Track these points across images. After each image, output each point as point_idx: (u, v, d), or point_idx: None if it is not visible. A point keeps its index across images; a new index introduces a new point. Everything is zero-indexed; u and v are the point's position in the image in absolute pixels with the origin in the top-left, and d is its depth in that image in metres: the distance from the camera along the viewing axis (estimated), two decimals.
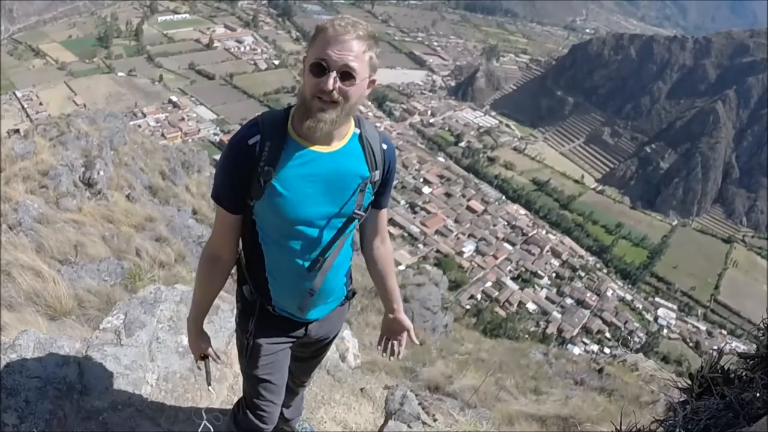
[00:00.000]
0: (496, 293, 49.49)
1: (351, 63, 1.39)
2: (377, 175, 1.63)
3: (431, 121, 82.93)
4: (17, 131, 8.25)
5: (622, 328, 49.11)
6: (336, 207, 1.58)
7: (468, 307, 37.43)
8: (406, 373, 5.02)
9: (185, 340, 2.63)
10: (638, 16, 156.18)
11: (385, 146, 1.66)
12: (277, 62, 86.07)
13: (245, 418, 1.88)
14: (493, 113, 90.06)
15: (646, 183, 75.79)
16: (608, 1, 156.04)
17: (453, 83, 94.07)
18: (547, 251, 58.95)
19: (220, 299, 3.23)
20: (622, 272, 59.80)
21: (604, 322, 49.48)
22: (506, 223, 61.88)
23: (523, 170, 74.61)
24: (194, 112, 71.23)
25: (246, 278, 1.73)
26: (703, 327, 52.77)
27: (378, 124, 71.50)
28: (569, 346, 37.93)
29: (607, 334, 48.15)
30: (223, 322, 3.07)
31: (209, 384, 1.95)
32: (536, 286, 53.46)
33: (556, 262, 57.96)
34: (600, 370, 5.82)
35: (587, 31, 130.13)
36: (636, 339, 47.30)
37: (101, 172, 6.76)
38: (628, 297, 55.41)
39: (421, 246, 54.26)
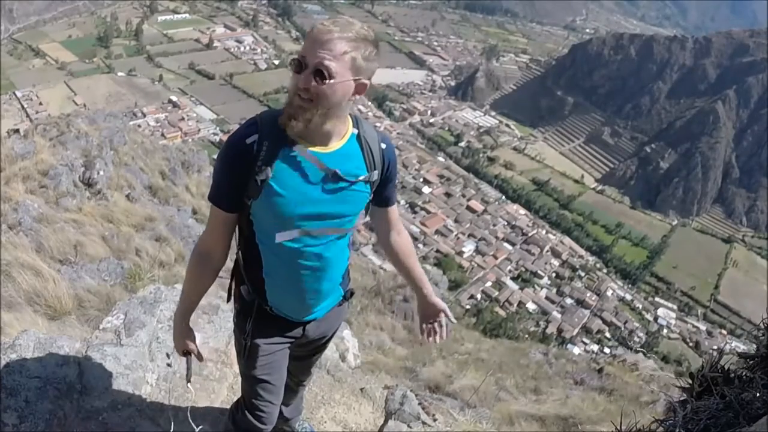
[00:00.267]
0: (496, 293, 49.50)
1: (326, 62, 1.37)
2: (375, 175, 1.63)
3: (431, 121, 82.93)
4: (17, 131, 8.26)
5: (622, 328, 49.13)
6: (333, 207, 1.57)
7: (468, 307, 37.36)
8: (406, 373, 5.02)
9: None
10: (638, 16, 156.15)
11: (383, 145, 1.65)
12: (277, 62, 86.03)
13: (244, 418, 1.87)
14: (493, 113, 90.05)
15: (646, 183, 75.80)
16: (608, 1, 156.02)
17: (453, 83, 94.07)
18: (547, 251, 58.96)
19: (221, 299, 3.23)
20: (622, 272, 59.80)
21: (604, 322, 49.49)
22: (506, 223, 61.89)
23: (523, 170, 74.62)
24: (194, 112, 71.23)
25: (244, 278, 1.73)
26: (703, 327, 52.78)
27: (378, 124, 71.49)
28: (569, 346, 37.91)
29: (607, 334, 48.17)
30: (223, 322, 3.07)
31: (188, 380, 1.94)
32: (536, 286, 53.47)
33: (556, 262, 57.97)
34: (600, 370, 5.82)
35: (587, 31, 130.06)
36: (636, 339, 47.32)
37: (101, 172, 6.76)
38: (628, 297, 55.41)
39: (421, 246, 54.24)
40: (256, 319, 1.73)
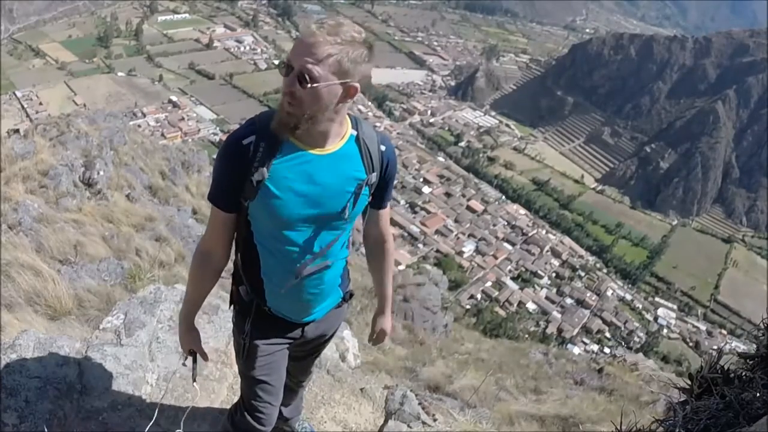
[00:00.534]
0: (496, 293, 49.51)
1: (308, 66, 1.36)
2: (374, 177, 1.61)
3: (431, 120, 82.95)
4: (17, 131, 8.26)
5: (622, 328, 49.15)
6: (331, 209, 1.56)
7: (468, 307, 37.41)
8: (406, 373, 5.02)
9: None
10: (638, 16, 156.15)
11: (383, 147, 1.64)
12: (276, 62, 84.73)
13: (243, 419, 1.87)
14: (493, 113, 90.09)
15: (646, 183, 75.82)
16: (608, 1, 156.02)
17: (453, 83, 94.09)
18: (547, 251, 58.98)
19: (221, 299, 3.23)
20: (622, 272, 59.82)
21: (604, 321, 49.51)
22: (506, 223, 61.90)
23: (523, 170, 74.64)
24: (194, 112, 71.26)
25: (242, 279, 1.73)
26: (703, 327, 52.80)
27: (378, 124, 71.55)
28: (569, 345, 37.95)
29: (607, 334, 48.19)
30: (223, 322, 3.07)
31: (194, 380, 1.95)
32: (536, 286, 53.48)
33: (556, 262, 57.99)
34: (600, 370, 5.82)
35: (587, 30, 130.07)
36: (636, 339, 47.34)
37: (101, 172, 6.76)
38: (628, 297, 55.43)
39: (421, 246, 54.28)
40: (254, 320, 1.73)
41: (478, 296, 48.20)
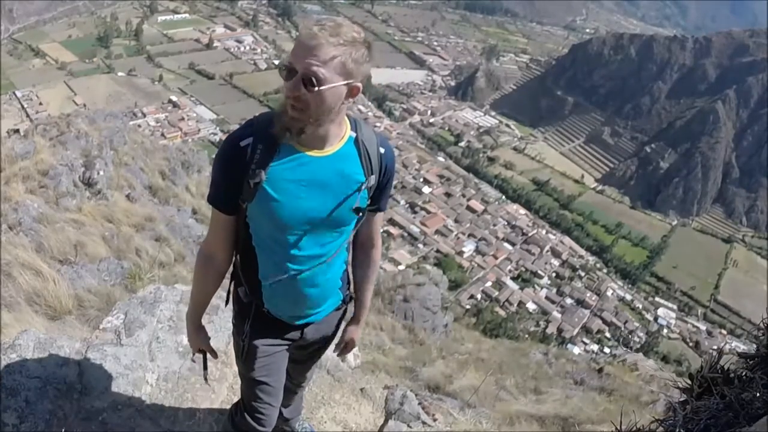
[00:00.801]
0: (496, 293, 49.50)
1: (313, 68, 1.34)
2: (373, 179, 1.60)
3: (431, 120, 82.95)
4: (17, 131, 8.26)
5: (622, 328, 49.15)
6: (329, 212, 1.55)
7: (468, 307, 37.41)
8: (406, 373, 5.02)
9: (185, 340, 2.63)
10: (638, 16, 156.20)
11: (382, 150, 1.62)
12: (276, 62, 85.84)
13: (243, 420, 1.87)
14: (493, 113, 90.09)
15: (646, 183, 75.83)
16: (608, 1, 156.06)
17: (453, 83, 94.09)
18: (547, 251, 58.97)
19: (221, 300, 3.23)
20: (622, 272, 59.82)
21: (604, 321, 49.51)
22: (506, 223, 61.89)
23: (523, 170, 74.65)
24: (194, 112, 71.25)
25: (241, 280, 1.73)
26: (703, 327, 52.81)
27: (378, 124, 71.62)
28: (569, 345, 37.93)
29: (607, 334, 48.19)
30: (223, 322, 3.07)
31: (206, 379, 1.95)
32: (536, 286, 53.48)
33: (556, 262, 57.98)
34: (600, 370, 5.82)
35: (587, 30, 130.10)
36: (636, 339, 47.34)
37: (101, 172, 6.76)
38: (628, 297, 55.43)
39: (421, 246, 54.27)
40: (254, 321, 1.73)
41: (478, 296, 48.19)
